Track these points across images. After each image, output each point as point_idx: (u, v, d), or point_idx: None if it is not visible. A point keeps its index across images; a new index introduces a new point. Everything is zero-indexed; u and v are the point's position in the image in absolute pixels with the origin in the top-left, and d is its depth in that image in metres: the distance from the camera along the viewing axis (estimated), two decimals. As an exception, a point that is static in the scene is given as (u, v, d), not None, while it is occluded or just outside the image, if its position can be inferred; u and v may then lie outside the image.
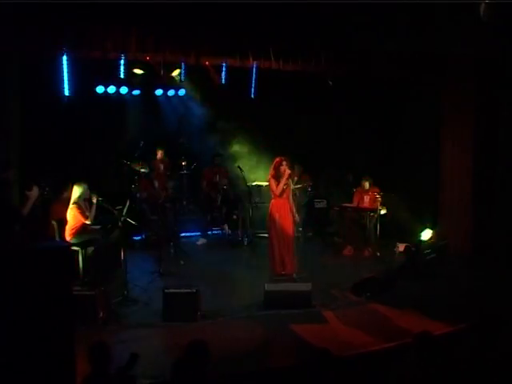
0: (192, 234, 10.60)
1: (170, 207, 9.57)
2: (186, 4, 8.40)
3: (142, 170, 10.26)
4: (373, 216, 9.49)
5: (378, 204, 9.54)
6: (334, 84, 10.00)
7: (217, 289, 7.69)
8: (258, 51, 9.96)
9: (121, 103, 11.29)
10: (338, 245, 9.87)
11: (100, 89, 10.98)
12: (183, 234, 10.55)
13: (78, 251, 7.16)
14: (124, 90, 11.36)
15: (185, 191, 11.22)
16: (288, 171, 8.04)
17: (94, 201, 7.23)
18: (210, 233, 10.53)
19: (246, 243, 10.03)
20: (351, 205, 9.76)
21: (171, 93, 11.94)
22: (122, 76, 9.94)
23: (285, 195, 8.15)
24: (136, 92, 11.61)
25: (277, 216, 8.12)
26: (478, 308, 6.62)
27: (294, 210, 8.26)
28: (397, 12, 8.87)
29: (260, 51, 9.97)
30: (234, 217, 10.49)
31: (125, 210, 7.23)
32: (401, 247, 9.48)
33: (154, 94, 11.85)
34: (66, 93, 9.58)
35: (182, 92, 11.98)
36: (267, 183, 10.50)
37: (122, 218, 7.21)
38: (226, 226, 10.55)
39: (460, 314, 6.56)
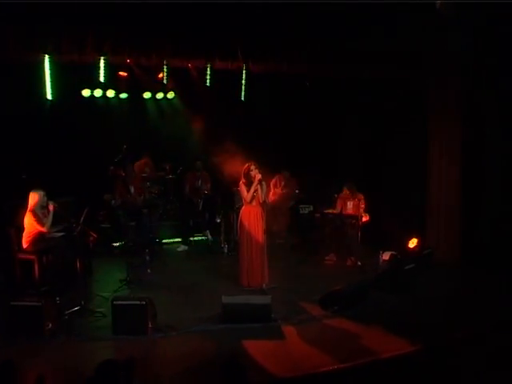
0: (173, 240, 10.38)
1: (146, 213, 9.31)
2: (169, 4, 8.20)
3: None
4: (355, 223, 9.07)
5: (362, 211, 9.16)
6: (319, 87, 9.76)
7: (180, 299, 7.44)
8: (247, 53, 9.80)
9: (107, 107, 11.13)
10: (320, 253, 9.45)
11: (86, 92, 10.86)
12: (165, 241, 10.38)
13: (34, 260, 6.97)
14: (111, 93, 11.24)
15: (169, 196, 11.02)
16: (258, 176, 7.71)
17: (51, 208, 7.00)
18: (191, 239, 10.24)
19: (226, 250, 9.71)
20: (333, 211, 9.35)
21: (160, 96, 11.77)
22: (102, 79, 9.90)
23: (255, 202, 7.83)
24: (123, 95, 11.45)
25: (246, 223, 7.82)
26: (446, 327, 6.26)
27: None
28: (382, 12, 8.56)
29: (249, 53, 9.81)
30: (218, 220, 10.18)
31: (82, 219, 6.98)
32: (385, 256, 9.06)
33: (142, 97, 11.71)
34: (49, 97, 9.58)
35: (171, 95, 11.83)
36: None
37: (79, 228, 6.95)
38: (207, 233, 10.26)
39: (427, 333, 6.16)
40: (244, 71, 10.92)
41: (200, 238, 10.42)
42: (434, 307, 7.09)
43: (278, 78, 10.28)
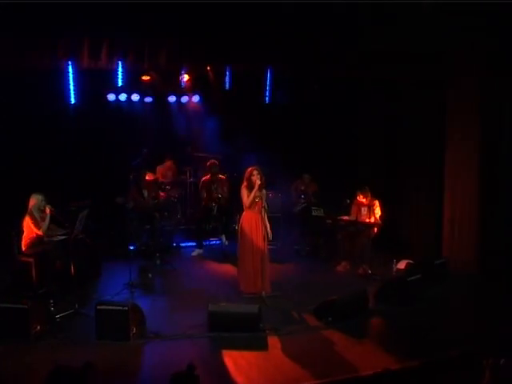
0: (189, 244, 10.34)
1: (158, 216, 9.32)
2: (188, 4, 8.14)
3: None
4: (369, 230, 8.69)
5: (378, 217, 8.78)
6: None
7: (176, 305, 7.39)
8: (270, 55, 9.65)
9: (131, 110, 11.24)
10: (333, 260, 9.13)
11: (111, 96, 11.02)
12: (181, 245, 10.38)
13: (31, 262, 7.09)
14: (135, 97, 11.34)
15: (189, 200, 11.00)
16: (258, 182, 7.52)
17: (48, 212, 7.10)
18: (206, 243, 10.17)
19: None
20: (347, 217, 9.01)
21: (185, 99, 11.77)
22: (120, 84, 10.01)
23: (256, 208, 7.65)
24: (148, 99, 11.53)
25: (247, 229, 7.65)
26: (443, 343, 5.86)
27: (267, 225, 7.74)
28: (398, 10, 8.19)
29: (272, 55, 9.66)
30: (236, 227, 10.04)
31: (76, 224, 7.03)
32: (401, 264, 8.63)
33: (167, 101, 11.73)
34: (73, 101, 9.79)
35: (196, 98, 11.81)
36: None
37: (73, 232, 7.00)
38: (223, 237, 10.14)
39: (420, 349, 5.80)
40: (268, 73, 10.82)
41: (216, 242, 10.33)
42: (436, 321, 6.69)
43: (297, 80, 10.09)
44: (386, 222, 8.82)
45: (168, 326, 6.55)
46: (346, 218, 8.99)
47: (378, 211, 8.78)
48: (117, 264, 9.24)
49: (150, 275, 8.44)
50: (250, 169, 7.71)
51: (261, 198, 7.61)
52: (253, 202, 7.59)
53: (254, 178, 7.58)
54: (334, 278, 8.56)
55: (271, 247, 9.88)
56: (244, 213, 7.72)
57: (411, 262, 8.56)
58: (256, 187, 7.53)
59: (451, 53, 8.32)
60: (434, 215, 8.89)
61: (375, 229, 8.74)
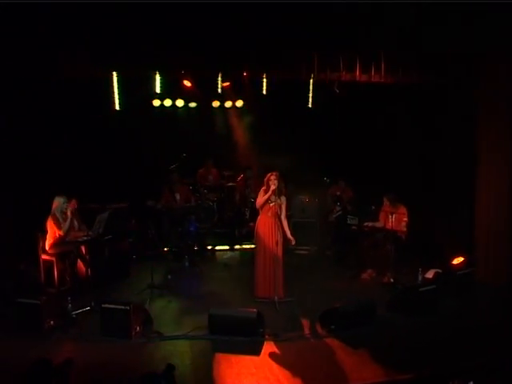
0: (222, 247, 10.49)
1: (188, 219, 9.53)
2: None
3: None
4: (394, 237, 8.40)
5: (404, 224, 8.49)
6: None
7: (186, 307, 7.51)
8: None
9: (175, 116, 11.59)
10: (360, 267, 8.92)
11: (156, 102, 11.43)
12: (217, 248, 10.53)
13: (53, 261, 7.51)
14: (180, 102, 11.69)
15: (227, 203, 11.14)
16: (273, 187, 7.53)
17: (68, 214, 7.49)
18: (239, 247, 10.27)
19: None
20: (372, 224, 8.78)
21: (228, 104, 11.95)
22: (158, 91, 10.34)
23: (270, 213, 7.65)
24: (192, 104, 11.84)
25: (261, 234, 7.69)
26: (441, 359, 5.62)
27: (288, 230, 7.73)
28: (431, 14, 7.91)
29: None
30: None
31: (95, 226, 7.35)
32: (429, 273, 8.28)
33: (211, 106, 11.96)
34: (117, 107, 10.24)
35: (239, 103, 11.97)
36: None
37: (91, 236, 7.33)
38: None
39: (411, 364, 5.60)
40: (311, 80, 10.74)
41: (248, 246, 10.40)
42: (441, 336, 6.36)
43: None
44: (416, 230, 8.50)
45: (174, 327, 6.72)
46: (370, 224, 8.78)
47: (405, 218, 8.50)
48: (147, 265, 9.57)
49: (168, 277, 8.64)
50: (269, 174, 7.74)
51: (277, 204, 7.61)
52: (264, 205, 7.63)
53: (270, 182, 7.60)
54: (356, 286, 8.37)
55: (304, 252, 10.03)
56: (259, 217, 7.77)
57: (439, 271, 8.21)
58: (270, 192, 7.55)
59: (482, 54, 7.90)
60: (466, 225, 8.46)
61: (401, 236, 8.45)
